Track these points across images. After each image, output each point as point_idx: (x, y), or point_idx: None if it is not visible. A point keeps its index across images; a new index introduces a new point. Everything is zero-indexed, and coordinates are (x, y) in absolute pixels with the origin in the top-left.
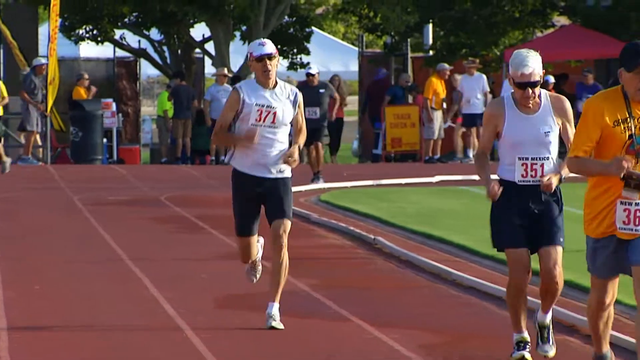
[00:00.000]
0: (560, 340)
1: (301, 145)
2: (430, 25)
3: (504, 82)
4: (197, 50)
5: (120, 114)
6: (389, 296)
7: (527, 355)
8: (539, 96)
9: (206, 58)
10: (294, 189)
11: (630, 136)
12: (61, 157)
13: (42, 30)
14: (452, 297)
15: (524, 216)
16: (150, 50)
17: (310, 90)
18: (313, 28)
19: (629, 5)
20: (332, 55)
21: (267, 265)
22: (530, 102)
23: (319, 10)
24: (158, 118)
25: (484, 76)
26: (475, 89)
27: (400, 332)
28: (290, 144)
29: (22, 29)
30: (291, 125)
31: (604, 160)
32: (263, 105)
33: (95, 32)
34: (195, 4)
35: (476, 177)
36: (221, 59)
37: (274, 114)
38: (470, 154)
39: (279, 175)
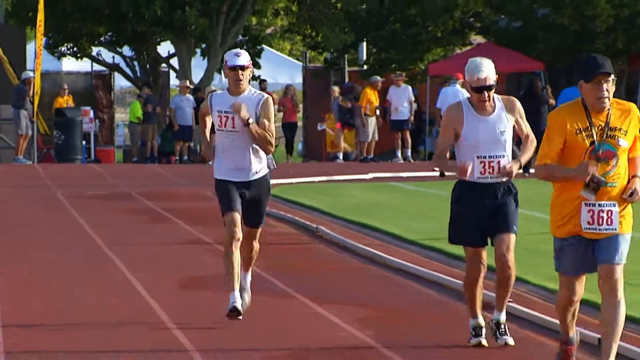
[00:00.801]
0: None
1: (259, 130)
2: (365, 44)
3: (441, 91)
4: (163, 65)
5: (97, 120)
6: (329, 277)
7: (484, 341)
8: (493, 99)
9: (171, 72)
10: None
11: (592, 143)
12: (46, 157)
13: (29, 47)
14: (384, 277)
15: (482, 212)
16: (123, 65)
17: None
18: (263, 46)
19: (536, 27)
20: (280, 69)
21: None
22: (487, 104)
23: (269, 30)
24: (130, 123)
25: (410, 87)
26: (402, 98)
27: (338, 308)
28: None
29: (12, 47)
30: None
31: (570, 167)
32: (221, 111)
33: (75, 49)
34: (161, 25)
35: (404, 174)
36: (184, 73)
37: (232, 119)
38: (399, 154)
39: (256, 177)
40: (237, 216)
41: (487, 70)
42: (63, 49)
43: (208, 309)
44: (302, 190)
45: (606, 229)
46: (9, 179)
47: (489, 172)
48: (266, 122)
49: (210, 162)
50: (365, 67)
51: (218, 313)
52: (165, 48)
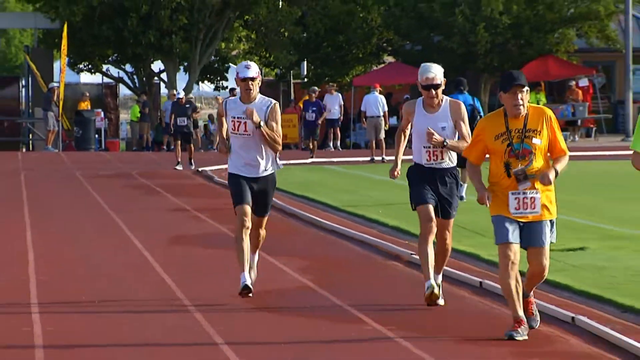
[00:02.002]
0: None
1: (268, 132)
2: (305, 62)
3: (364, 97)
4: (156, 78)
5: (106, 119)
6: (279, 237)
7: (436, 289)
8: (441, 100)
9: (161, 83)
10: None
11: (509, 145)
12: (68, 147)
13: (56, 65)
14: (320, 236)
15: (433, 189)
16: (126, 78)
17: (181, 107)
18: (230, 64)
19: (433, 50)
20: None
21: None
22: (434, 101)
23: (234, 52)
24: (131, 121)
25: (340, 94)
26: (334, 103)
27: (285, 259)
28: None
29: (43, 65)
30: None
31: (480, 184)
32: (235, 117)
33: (90, 66)
34: (154, 49)
35: (335, 160)
36: (171, 84)
37: (245, 124)
38: (331, 144)
39: (265, 174)
40: (248, 208)
41: (435, 71)
42: (81, 66)
43: (190, 259)
44: None
45: (530, 212)
46: (40, 163)
47: (434, 159)
48: (274, 124)
49: (225, 157)
50: (305, 80)
51: (196, 261)
52: (157, 65)
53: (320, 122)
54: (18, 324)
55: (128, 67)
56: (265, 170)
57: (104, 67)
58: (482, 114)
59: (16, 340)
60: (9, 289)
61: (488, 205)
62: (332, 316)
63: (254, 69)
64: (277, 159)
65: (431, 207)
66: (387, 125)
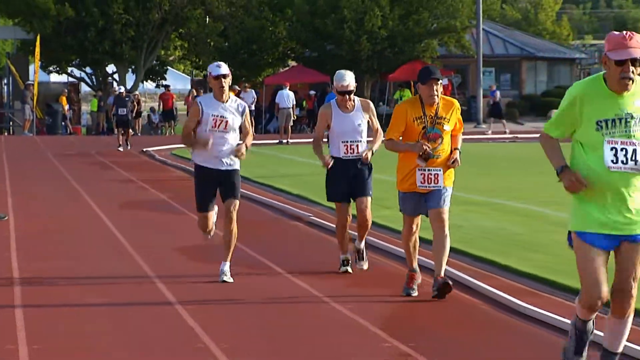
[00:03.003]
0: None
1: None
2: (227, 65)
3: (278, 92)
4: (110, 78)
5: (71, 110)
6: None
7: (349, 269)
8: (354, 100)
9: (114, 82)
10: (149, 148)
11: (424, 127)
12: (41, 132)
13: (31, 67)
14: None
15: (347, 178)
16: (86, 78)
17: (121, 99)
18: (168, 67)
19: (326, 56)
20: (178, 81)
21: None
22: (348, 104)
23: (171, 57)
24: (91, 112)
25: (253, 91)
26: (249, 98)
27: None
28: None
29: (21, 67)
30: (240, 131)
31: (410, 142)
32: (217, 116)
33: (58, 68)
34: (108, 55)
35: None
36: (121, 83)
37: (226, 122)
38: None
39: (230, 168)
40: (210, 215)
41: (349, 79)
42: (51, 68)
43: (135, 218)
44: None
45: (434, 187)
46: (19, 145)
47: (351, 152)
48: (247, 125)
49: (190, 151)
50: None
51: (140, 219)
52: (110, 68)
53: None
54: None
55: (88, 69)
56: (231, 165)
57: (69, 69)
58: None
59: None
60: None
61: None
62: (249, 264)
63: (225, 67)
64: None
65: (346, 204)
66: (295, 116)
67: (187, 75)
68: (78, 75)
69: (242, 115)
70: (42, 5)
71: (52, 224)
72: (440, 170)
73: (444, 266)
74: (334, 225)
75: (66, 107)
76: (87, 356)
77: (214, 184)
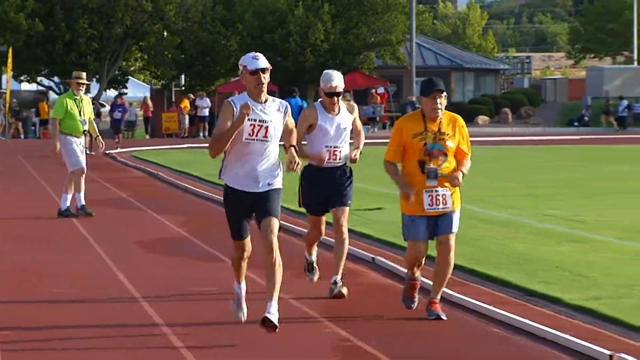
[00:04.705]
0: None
1: (296, 147)
2: (183, 75)
3: (237, 95)
4: None
5: (38, 116)
6: (164, 199)
7: (315, 277)
8: (338, 104)
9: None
10: (111, 151)
11: (425, 143)
12: (13, 136)
13: (3, 77)
14: (193, 200)
15: (326, 188)
16: (54, 87)
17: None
18: (129, 77)
19: (275, 67)
20: (138, 89)
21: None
22: (335, 106)
23: (132, 68)
24: None
25: (208, 99)
26: (204, 104)
27: (168, 217)
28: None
29: None
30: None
31: (401, 179)
32: (256, 120)
33: (28, 78)
34: (74, 66)
35: (203, 145)
36: (87, 91)
37: (266, 128)
38: (201, 134)
39: (268, 188)
40: (247, 242)
41: (337, 80)
42: (22, 78)
43: (99, 215)
44: (149, 153)
45: (443, 208)
46: None
47: (333, 159)
48: (289, 123)
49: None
50: (183, 88)
51: (103, 214)
52: None
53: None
54: None
55: (56, 79)
56: (270, 185)
57: (39, 79)
58: None
59: None
60: None
61: (412, 200)
62: (200, 257)
63: (263, 60)
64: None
65: (322, 219)
66: None
67: (147, 84)
68: (47, 84)
69: (284, 117)
70: (15, 20)
71: (23, 212)
72: (447, 191)
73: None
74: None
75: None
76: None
77: (249, 208)
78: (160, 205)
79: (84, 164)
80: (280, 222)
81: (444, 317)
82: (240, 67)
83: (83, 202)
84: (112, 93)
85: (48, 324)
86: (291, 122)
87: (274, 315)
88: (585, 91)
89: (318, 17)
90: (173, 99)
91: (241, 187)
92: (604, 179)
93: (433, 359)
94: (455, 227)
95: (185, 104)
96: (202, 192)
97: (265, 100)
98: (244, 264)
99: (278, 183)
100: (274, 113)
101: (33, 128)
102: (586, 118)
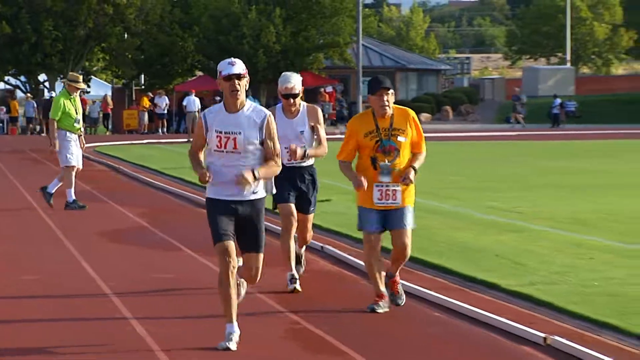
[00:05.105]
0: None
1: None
2: (143, 75)
3: (185, 98)
4: (41, 85)
5: (7, 113)
6: (125, 191)
7: (297, 285)
8: (300, 106)
9: (45, 89)
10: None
11: (377, 141)
12: None
13: None
14: (152, 192)
15: (292, 182)
16: (21, 86)
17: (48, 103)
18: (92, 76)
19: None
20: (100, 88)
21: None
22: (292, 108)
23: (95, 68)
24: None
25: (166, 97)
26: (162, 102)
27: (129, 208)
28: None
29: None
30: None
31: (353, 173)
32: (222, 132)
33: None
34: (40, 66)
35: (162, 140)
36: (51, 90)
37: (234, 140)
38: (160, 130)
39: (252, 197)
40: (231, 245)
41: (294, 81)
42: None
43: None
44: (113, 148)
45: (392, 203)
46: None
47: (294, 159)
48: (269, 142)
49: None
50: (143, 87)
51: (83, 213)
52: (42, 77)
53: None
54: None
55: (22, 78)
56: (253, 192)
57: (6, 78)
58: None
59: None
60: None
61: (365, 187)
62: (159, 245)
63: (240, 65)
64: (271, 181)
65: (292, 205)
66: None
67: (109, 83)
68: (14, 83)
69: (260, 130)
70: None
71: None
72: (398, 186)
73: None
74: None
75: (19, 110)
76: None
77: (233, 211)
78: (121, 197)
79: (75, 162)
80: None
81: (402, 302)
82: (218, 73)
83: (74, 197)
84: None
85: (14, 312)
86: (270, 133)
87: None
88: (521, 89)
89: (270, 20)
90: (133, 97)
91: (221, 197)
92: (540, 174)
93: (378, 340)
94: (408, 222)
95: (145, 102)
96: (160, 184)
97: (241, 109)
98: (233, 283)
99: (261, 192)
100: (247, 122)
101: (1, 125)
102: (522, 115)
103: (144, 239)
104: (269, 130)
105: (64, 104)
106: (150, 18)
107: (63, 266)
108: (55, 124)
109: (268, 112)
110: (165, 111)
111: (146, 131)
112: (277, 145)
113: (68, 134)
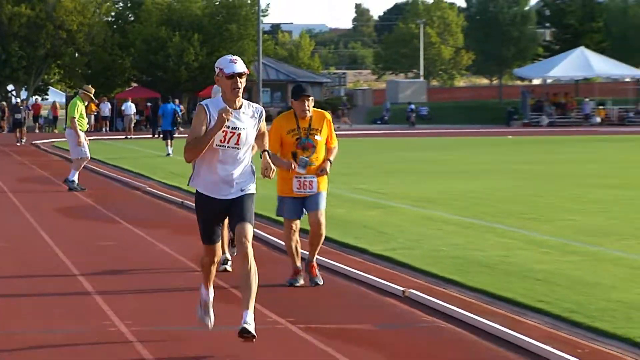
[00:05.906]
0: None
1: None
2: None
3: (124, 104)
4: (9, 94)
5: None
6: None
7: (229, 268)
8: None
9: (12, 97)
10: (37, 141)
11: (297, 139)
12: None
13: None
14: (105, 181)
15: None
16: None
17: (16, 108)
18: (50, 86)
19: (158, 80)
20: (56, 96)
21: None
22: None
23: (52, 80)
24: None
25: (109, 103)
26: (105, 107)
27: (83, 193)
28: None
29: None
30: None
31: (281, 160)
32: (228, 127)
33: None
34: (8, 79)
35: (106, 137)
36: (17, 96)
37: (239, 135)
38: (104, 129)
39: (242, 194)
40: (218, 246)
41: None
42: None
43: (28, 189)
44: (65, 143)
45: (309, 192)
46: None
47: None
48: (262, 128)
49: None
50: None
51: (31, 190)
52: (10, 87)
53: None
54: None
55: None
56: (243, 190)
57: None
58: (180, 115)
59: None
60: None
61: (294, 168)
62: (102, 219)
63: (241, 63)
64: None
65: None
66: (135, 120)
67: (63, 92)
68: None
69: (258, 123)
70: None
71: None
72: (314, 178)
73: (316, 254)
74: (162, 193)
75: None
76: None
77: (222, 213)
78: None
79: (89, 154)
80: (147, 189)
81: (320, 282)
82: (217, 70)
83: (76, 180)
84: (35, 98)
85: None
86: (263, 126)
87: (250, 324)
88: (385, 98)
89: (190, 43)
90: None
91: (213, 194)
92: (398, 162)
93: (285, 300)
94: (321, 205)
95: (92, 107)
96: (104, 171)
97: (240, 106)
98: (214, 269)
99: (252, 188)
100: (248, 119)
101: None
102: (386, 118)
103: (91, 214)
104: (264, 124)
105: (79, 106)
106: (96, 41)
107: (24, 233)
108: (76, 121)
109: (262, 108)
110: (108, 114)
111: (93, 130)
112: (266, 130)
113: (80, 131)
